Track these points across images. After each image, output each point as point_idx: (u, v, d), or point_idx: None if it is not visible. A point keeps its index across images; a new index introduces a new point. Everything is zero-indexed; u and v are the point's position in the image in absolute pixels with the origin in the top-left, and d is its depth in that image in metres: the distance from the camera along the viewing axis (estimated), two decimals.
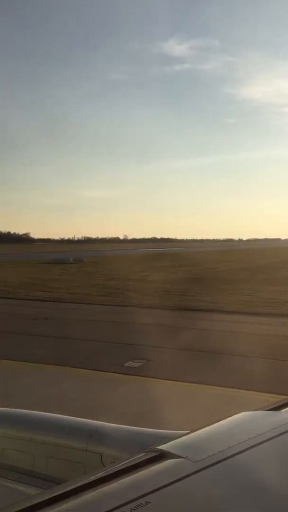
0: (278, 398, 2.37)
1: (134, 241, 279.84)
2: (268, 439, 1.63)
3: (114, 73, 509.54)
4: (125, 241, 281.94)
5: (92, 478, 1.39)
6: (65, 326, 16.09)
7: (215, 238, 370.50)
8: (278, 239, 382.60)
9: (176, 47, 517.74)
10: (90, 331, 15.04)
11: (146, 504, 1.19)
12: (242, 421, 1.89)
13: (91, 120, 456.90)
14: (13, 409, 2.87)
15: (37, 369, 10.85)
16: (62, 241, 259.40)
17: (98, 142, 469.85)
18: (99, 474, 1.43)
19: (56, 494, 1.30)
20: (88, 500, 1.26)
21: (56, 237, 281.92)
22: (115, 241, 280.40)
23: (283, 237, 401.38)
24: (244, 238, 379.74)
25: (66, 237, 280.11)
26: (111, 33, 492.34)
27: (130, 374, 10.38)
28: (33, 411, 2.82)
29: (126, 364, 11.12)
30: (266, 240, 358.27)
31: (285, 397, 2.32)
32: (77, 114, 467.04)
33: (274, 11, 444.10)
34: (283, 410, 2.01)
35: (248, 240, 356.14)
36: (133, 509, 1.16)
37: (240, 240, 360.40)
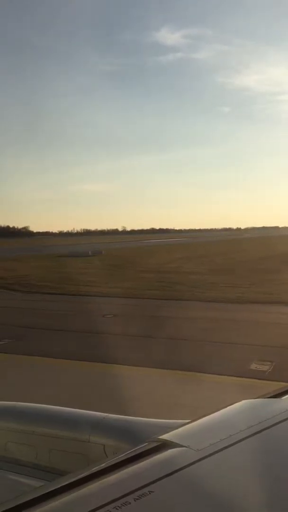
0: None
1: (133, 232, 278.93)
2: (269, 427, 1.63)
3: (107, 65, 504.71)
4: (124, 232, 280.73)
5: (95, 469, 1.41)
6: (145, 323, 14.94)
7: (213, 227, 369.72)
8: (276, 227, 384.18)
9: (169, 36, 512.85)
10: (181, 330, 13.94)
11: (149, 493, 1.20)
12: (243, 409, 1.89)
13: (86, 112, 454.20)
14: (15, 402, 2.87)
15: (171, 376, 9.72)
16: (61, 234, 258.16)
17: (93, 134, 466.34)
18: (102, 465, 1.44)
19: (60, 485, 1.31)
20: (91, 491, 1.27)
21: (55, 230, 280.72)
22: (114, 233, 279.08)
23: (280, 225, 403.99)
24: (242, 227, 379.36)
25: (65, 230, 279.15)
26: (103, 23, 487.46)
27: (265, 379, 9.28)
28: (35, 404, 2.81)
29: (253, 367, 10.10)
30: (264, 228, 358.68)
31: (285, 384, 2.29)
32: (72, 106, 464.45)
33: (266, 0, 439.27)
34: (283, 398, 2.01)
35: (246, 229, 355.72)
36: (137, 499, 1.18)
37: (238, 229, 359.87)
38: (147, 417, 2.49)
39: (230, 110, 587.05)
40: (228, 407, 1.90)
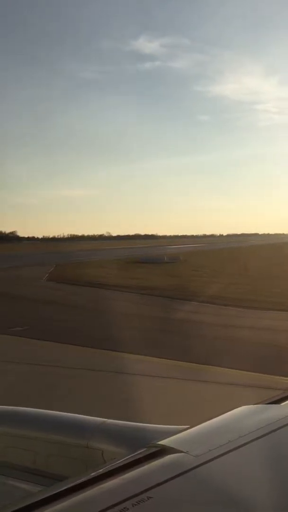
0: None
1: (119, 238, 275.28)
2: (268, 433, 1.62)
3: (85, 72, 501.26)
4: (110, 238, 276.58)
5: (94, 474, 1.40)
6: None
7: (195, 234, 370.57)
8: (256, 234, 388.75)
9: (147, 45, 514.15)
10: None
11: (148, 499, 1.20)
12: (242, 415, 1.87)
13: (66, 119, 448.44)
14: (14, 407, 2.80)
15: None
16: (47, 240, 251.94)
17: (71, 140, 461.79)
18: (101, 470, 1.44)
19: (58, 491, 1.31)
20: (90, 496, 1.27)
21: (40, 235, 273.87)
22: (101, 238, 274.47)
23: (260, 232, 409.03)
24: (224, 234, 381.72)
25: (51, 236, 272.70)
26: (81, 31, 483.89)
27: None
28: (34, 409, 2.73)
29: None
30: (243, 235, 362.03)
31: (285, 390, 2.31)
32: (52, 113, 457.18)
33: (242, 10, 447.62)
34: (283, 404, 2.01)
35: (228, 236, 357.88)
36: (135, 504, 1.17)
37: (221, 236, 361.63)
38: (147, 423, 2.42)
39: (208, 119, 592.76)
40: (227, 413, 1.88)
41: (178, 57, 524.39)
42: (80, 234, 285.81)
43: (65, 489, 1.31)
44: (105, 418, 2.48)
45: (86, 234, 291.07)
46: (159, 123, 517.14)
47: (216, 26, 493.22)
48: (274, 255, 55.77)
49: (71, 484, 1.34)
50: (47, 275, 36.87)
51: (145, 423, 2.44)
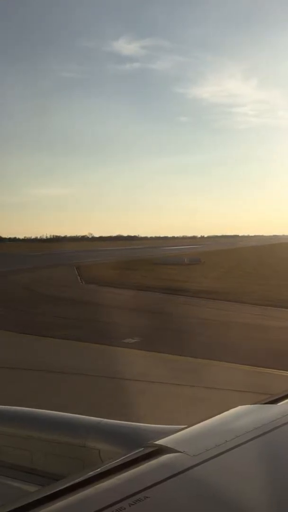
0: None
1: (102, 239, 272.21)
2: (265, 433, 1.62)
3: (66, 71, 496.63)
4: (94, 239, 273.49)
5: (91, 474, 1.40)
6: None
7: (176, 235, 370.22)
8: (236, 236, 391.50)
9: (127, 46, 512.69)
10: None
11: (144, 499, 1.20)
12: (239, 415, 1.87)
13: (45, 118, 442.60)
14: (10, 406, 2.75)
15: None
16: (29, 240, 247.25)
17: (52, 140, 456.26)
18: (98, 470, 1.43)
19: (55, 490, 1.31)
20: (87, 495, 1.27)
21: (21, 236, 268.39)
22: (84, 239, 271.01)
23: (240, 234, 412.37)
24: (205, 235, 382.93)
25: (33, 236, 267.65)
26: (61, 31, 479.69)
27: None
28: (31, 409, 2.69)
29: None
30: (224, 236, 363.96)
31: (282, 390, 2.25)
32: (30, 112, 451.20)
33: (222, 13, 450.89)
34: (279, 404, 2.00)
35: (209, 237, 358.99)
36: (132, 504, 1.17)
37: (202, 237, 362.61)
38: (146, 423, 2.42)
39: (187, 120, 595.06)
40: (225, 413, 1.87)
41: (158, 59, 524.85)
42: (62, 235, 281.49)
43: (62, 489, 1.31)
44: (105, 418, 2.44)
45: (68, 235, 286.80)
46: (139, 124, 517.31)
47: (196, 29, 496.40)
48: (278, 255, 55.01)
49: (68, 484, 1.34)
50: (79, 277, 35.05)
51: (143, 423, 2.42)
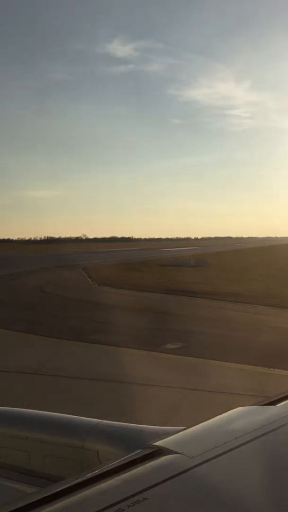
0: None
1: (97, 240, 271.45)
2: (264, 434, 1.62)
3: (58, 73, 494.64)
4: (88, 240, 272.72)
5: (89, 475, 1.40)
6: None
7: (169, 236, 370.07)
8: (229, 237, 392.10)
9: (120, 48, 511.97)
10: None
11: (143, 500, 1.20)
12: (238, 416, 1.88)
13: (38, 119, 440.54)
14: (8, 407, 2.74)
15: None
16: (26, 242, 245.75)
17: (44, 141, 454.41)
18: (96, 471, 1.44)
19: (53, 492, 1.31)
20: (85, 497, 1.27)
21: (14, 237, 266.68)
22: (79, 240, 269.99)
23: (233, 235, 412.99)
24: (199, 237, 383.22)
25: (27, 237, 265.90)
26: (54, 32, 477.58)
27: None
28: (29, 410, 2.67)
29: None
30: (218, 238, 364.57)
31: (280, 391, 2.24)
32: (24, 113, 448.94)
33: (215, 15, 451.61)
34: (278, 405, 2.01)
35: (203, 239, 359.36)
36: (131, 506, 1.17)
37: (196, 239, 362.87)
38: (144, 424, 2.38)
39: (180, 122, 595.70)
40: (223, 414, 1.88)
41: (151, 61, 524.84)
42: (56, 236, 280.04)
43: (61, 490, 1.31)
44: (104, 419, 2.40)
45: (62, 236, 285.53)
46: (132, 126, 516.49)
47: (189, 31, 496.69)
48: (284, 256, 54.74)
49: (67, 485, 1.34)
50: (89, 279, 34.54)
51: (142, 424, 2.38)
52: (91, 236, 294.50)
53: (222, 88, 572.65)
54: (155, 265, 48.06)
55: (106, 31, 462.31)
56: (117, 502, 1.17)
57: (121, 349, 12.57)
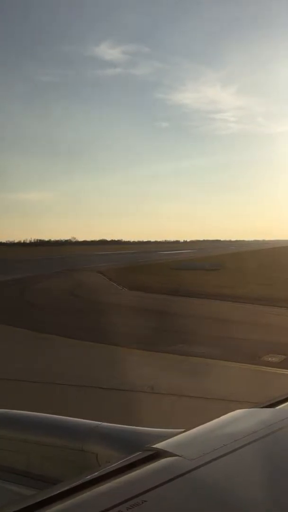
0: None
1: (87, 243, 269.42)
2: (264, 437, 1.61)
3: (45, 75, 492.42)
4: (78, 243, 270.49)
5: (88, 478, 1.40)
6: None
7: (158, 239, 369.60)
8: (218, 241, 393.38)
9: (108, 51, 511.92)
10: None
11: (142, 503, 1.20)
12: (238, 419, 1.86)
13: (26, 122, 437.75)
14: (7, 410, 2.69)
15: None
16: (14, 244, 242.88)
17: (31, 144, 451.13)
18: (95, 473, 1.43)
19: (52, 494, 1.32)
20: (84, 500, 1.27)
21: (3, 240, 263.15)
22: (68, 243, 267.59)
23: (221, 239, 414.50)
24: (188, 240, 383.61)
25: (16, 240, 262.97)
26: (41, 35, 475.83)
27: None
28: (28, 412, 2.64)
29: None
30: (206, 241, 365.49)
31: (280, 394, 2.23)
32: (11, 116, 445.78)
33: (202, 20, 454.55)
34: (278, 407, 2.02)
35: (192, 242, 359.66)
36: (129, 508, 1.17)
37: (185, 242, 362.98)
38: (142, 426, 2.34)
39: (168, 125, 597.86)
40: (223, 417, 1.87)
41: (139, 65, 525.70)
42: (46, 239, 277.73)
43: (59, 493, 1.31)
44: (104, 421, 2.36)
45: (52, 239, 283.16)
46: (120, 129, 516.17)
47: (177, 35, 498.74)
48: None
49: (65, 488, 1.34)
50: (114, 283, 33.39)
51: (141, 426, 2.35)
52: (80, 239, 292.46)
53: (209, 92, 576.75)
54: (168, 269, 46.98)
55: (94, 34, 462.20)
56: (116, 505, 1.18)
57: (223, 363, 11.53)
